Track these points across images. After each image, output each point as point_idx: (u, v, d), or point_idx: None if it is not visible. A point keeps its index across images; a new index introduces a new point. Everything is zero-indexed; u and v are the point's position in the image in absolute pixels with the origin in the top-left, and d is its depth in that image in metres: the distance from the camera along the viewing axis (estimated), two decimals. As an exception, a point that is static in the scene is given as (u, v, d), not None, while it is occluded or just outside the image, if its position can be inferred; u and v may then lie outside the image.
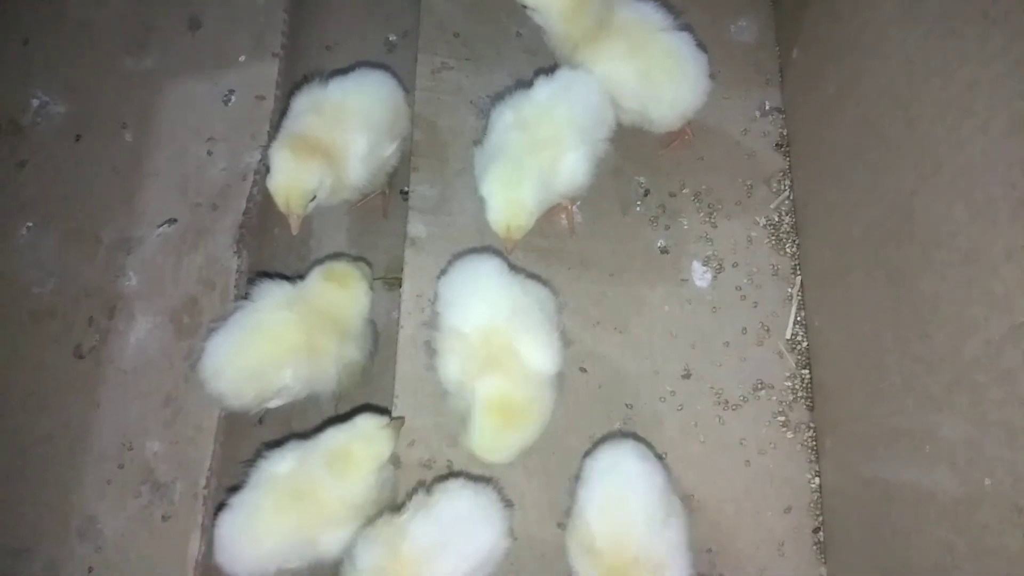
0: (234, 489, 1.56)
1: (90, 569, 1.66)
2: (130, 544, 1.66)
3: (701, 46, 1.81)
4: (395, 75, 1.89)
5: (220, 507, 1.53)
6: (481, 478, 1.65)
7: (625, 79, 1.74)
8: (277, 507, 1.48)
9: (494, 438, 1.50)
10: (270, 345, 1.59)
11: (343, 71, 1.83)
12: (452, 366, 1.55)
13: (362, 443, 1.52)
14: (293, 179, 1.63)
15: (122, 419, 1.76)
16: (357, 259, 1.82)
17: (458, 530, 1.42)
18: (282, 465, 1.53)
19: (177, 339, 1.79)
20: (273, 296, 1.64)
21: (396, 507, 1.53)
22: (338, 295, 1.67)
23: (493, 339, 1.53)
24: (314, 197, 1.66)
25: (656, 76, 1.74)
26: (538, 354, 1.54)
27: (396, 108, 1.85)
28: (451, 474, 1.69)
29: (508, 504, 1.57)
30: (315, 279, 1.68)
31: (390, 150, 1.85)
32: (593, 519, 1.42)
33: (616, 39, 1.75)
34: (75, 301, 1.88)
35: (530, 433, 1.53)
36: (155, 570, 1.64)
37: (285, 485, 1.50)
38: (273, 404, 1.65)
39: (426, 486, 1.56)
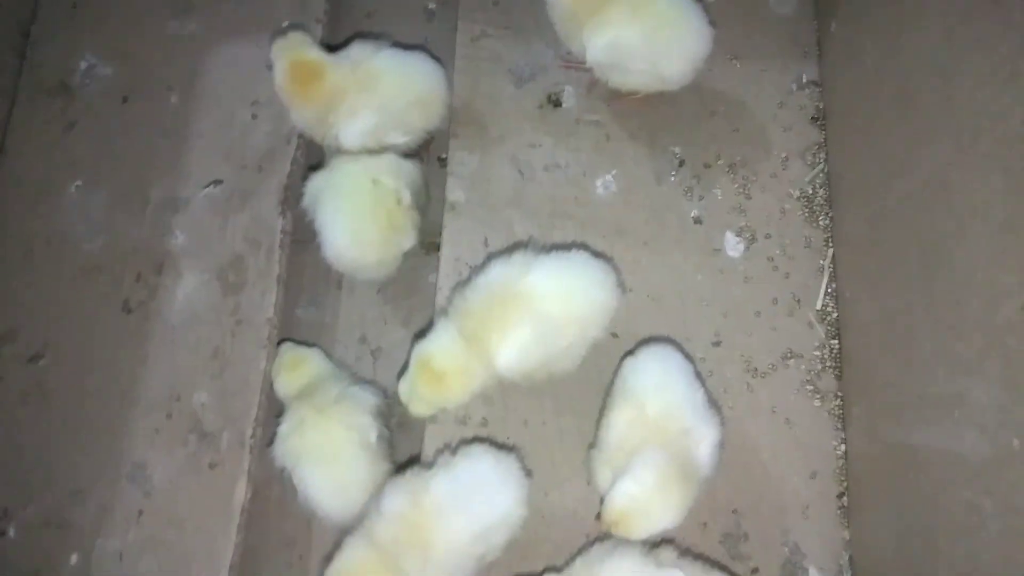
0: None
1: (140, 512, 1.73)
2: (178, 490, 1.73)
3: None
4: (446, 77, 1.90)
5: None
6: (505, 446, 1.71)
7: (632, 42, 1.74)
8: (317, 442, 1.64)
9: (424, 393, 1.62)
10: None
11: (407, 46, 1.87)
12: None
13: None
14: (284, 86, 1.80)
15: (170, 371, 1.82)
16: None
17: (475, 491, 1.50)
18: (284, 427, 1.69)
19: (224, 295, 1.85)
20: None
21: (426, 464, 1.60)
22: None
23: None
24: None
25: (663, 32, 1.75)
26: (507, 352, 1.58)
27: (426, 107, 1.85)
28: (485, 431, 1.76)
29: (528, 473, 1.61)
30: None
31: (398, 140, 1.85)
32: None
33: (617, 5, 1.75)
34: (123, 258, 1.93)
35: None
36: (202, 515, 1.70)
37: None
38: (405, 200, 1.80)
39: (452, 447, 1.63)
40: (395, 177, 1.80)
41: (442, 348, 1.58)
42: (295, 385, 1.75)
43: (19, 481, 1.79)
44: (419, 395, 1.61)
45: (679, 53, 1.78)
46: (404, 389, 1.65)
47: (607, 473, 1.53)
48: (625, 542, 1.50)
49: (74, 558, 1.72)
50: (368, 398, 1.75)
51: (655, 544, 1.56)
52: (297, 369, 1.77)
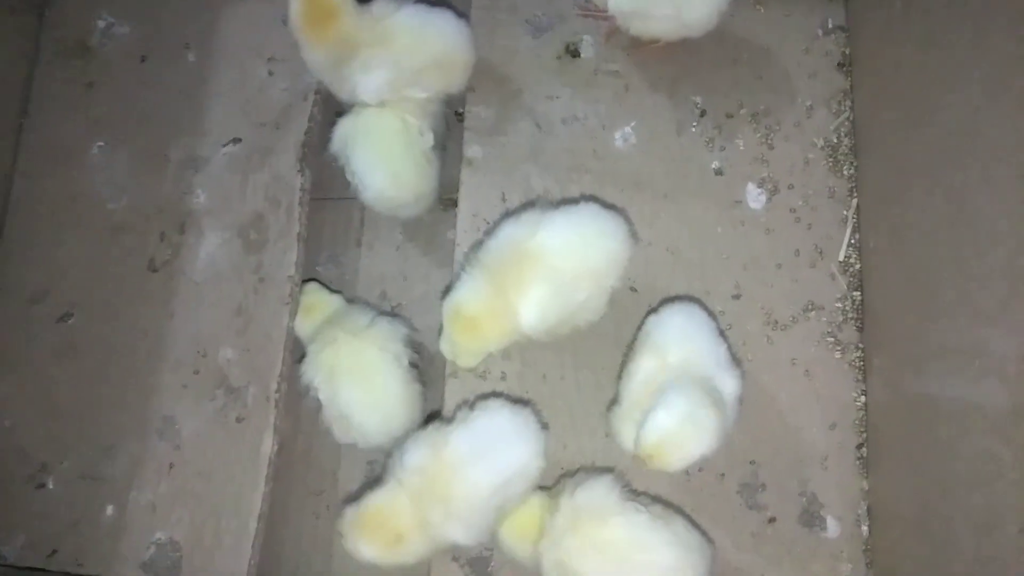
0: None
1: (171, 465, 1.79)
2: (207, 443, 1.78)
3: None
4: (471, 40, 1.82)
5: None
6: (524, 400, 1.73)
7: None
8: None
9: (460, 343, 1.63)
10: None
11: (431, 3, 1.82)
12: None
13: None
14: (297, 24, 1.72)
15: (196, 328, 1.86)
16: None
17: (493, 444, 1.53)
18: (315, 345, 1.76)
19: (246, 253, 1.87)
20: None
21: (447, 419, 1.63)
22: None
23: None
24: None
25: None
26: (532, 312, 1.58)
27: (446, 69, 1.81)
28: (504, 386, 1.78)
29: (545, 426, 1.64)
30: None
31: (417, 95, 1.82)
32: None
33: None
34: (147, 217, 1.96)
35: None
36: (231, 467, 1.75)
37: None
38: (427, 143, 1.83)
39: (470, 402, 1.65)
40: (420, 117, 1.81)
41: (469, 295, 1.59)
42: (311, 327, 1.81)
43: (55, 436, 1.85)
44: (459, 346, 1.63)
45: None
46: (446, 347, 1.67)
47: (629, 428, 1.54)
48: (599, 474, 1.56)
49: (110, 509, 1.79)
50: (399, 328, 1.79)
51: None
52: (310, 313, 1.82)
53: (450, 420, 1.59)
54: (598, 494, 1.51)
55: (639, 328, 1.67)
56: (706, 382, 1.52)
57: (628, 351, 1.69)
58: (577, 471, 1.65)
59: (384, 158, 1.78)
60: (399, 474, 1.53)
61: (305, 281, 1.89)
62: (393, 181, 1.79)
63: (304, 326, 1.82)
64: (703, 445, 1.43)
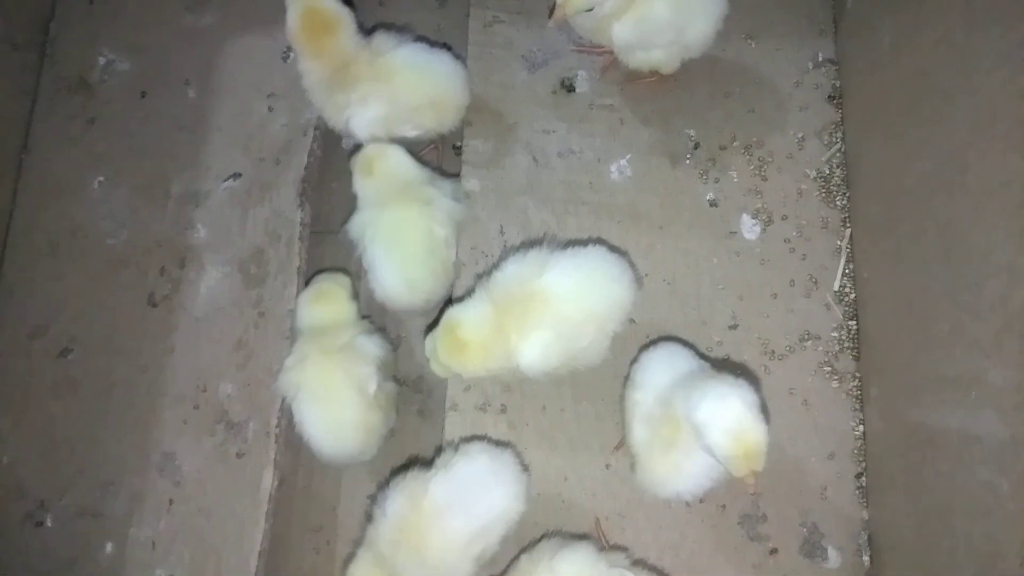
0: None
1: (170, 501, 1.78)
2: (207, 479, 1.78)
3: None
4: (466, 81, 1.88)
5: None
6: (502, 442, 1.71)
7: (660, 15, 1.72)
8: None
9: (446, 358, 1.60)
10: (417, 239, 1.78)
11: (428, 40, 1.86)
12: None
13: None
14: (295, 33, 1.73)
15: (196, 363, 1.86)
16: None
17: (471, 491, 1.50)
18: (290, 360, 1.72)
19: (246, 288, 1.89)
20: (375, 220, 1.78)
21: (427, 464, 1.61)
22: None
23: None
24: None
25: None
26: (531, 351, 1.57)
27: (441, 109, 1.85)
28: (505, 418, 1.78)
29: (525, 469, 1.62)
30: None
31: (408, 134, 1.85)
32: None
33: None
34: (147, 252, 1.98)
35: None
36: (231, 503, 1.75)
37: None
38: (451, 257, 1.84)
39: (454, 445, 1.64)
40: (447, 226, 1.82)
41: (472, 319, 1.57)
42: (310, 317, 1.77)
43: (54, 473, 1.85)
44: (438, 358, 1.62)
45: (702, 13, 1.75)
46: (429, 346, 1.66)
47: (654, 463, 1.48)
48: (574, 540, 1.54)
49: (109, 547, 1.78)
50: (375, 350, 1.75)
51: (611, 547, 1.62)
52: (317, 303, 1.78)
53: (429, 465, 1.58)
54: (583, 565, 1.46)
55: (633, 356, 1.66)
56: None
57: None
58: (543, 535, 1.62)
59: (404, 264, 1.77)
60: (377, 528, 1.51)
61: (341, 271, 1.88)
62: (408, 288, 1.78)
63: (305, 313, 1.77)
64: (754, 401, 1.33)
